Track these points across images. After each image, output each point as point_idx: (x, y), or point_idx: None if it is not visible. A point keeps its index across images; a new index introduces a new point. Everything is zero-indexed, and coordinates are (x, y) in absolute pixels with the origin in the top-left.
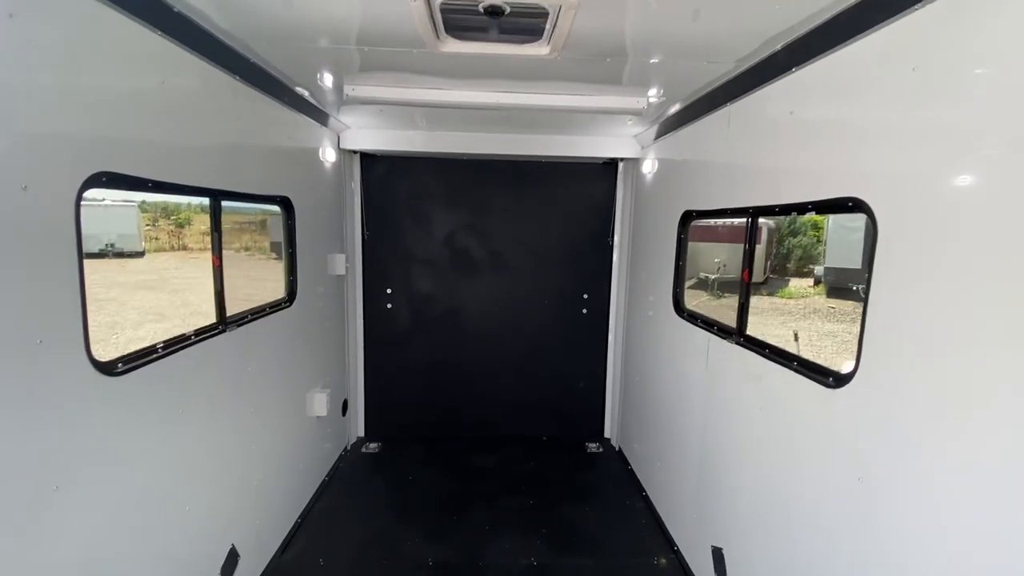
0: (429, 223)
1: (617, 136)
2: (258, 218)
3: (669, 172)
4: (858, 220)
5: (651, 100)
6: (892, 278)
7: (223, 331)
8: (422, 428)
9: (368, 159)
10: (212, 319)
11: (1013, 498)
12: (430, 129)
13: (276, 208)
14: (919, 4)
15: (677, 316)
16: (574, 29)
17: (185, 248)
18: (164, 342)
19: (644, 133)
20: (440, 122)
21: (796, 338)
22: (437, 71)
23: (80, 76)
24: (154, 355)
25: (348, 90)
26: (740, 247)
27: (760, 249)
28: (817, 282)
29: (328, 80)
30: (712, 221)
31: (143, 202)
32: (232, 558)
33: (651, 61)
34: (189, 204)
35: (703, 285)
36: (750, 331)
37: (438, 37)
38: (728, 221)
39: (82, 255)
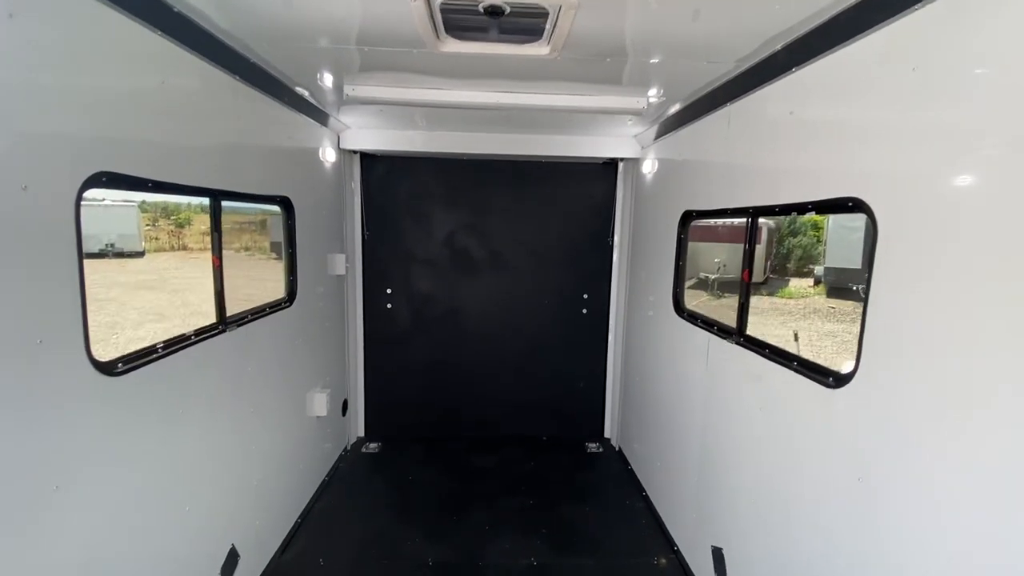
0: (429, 223)
1: (617, 136)
2: (258, 218)
3: (669, 172)
4: (858, 220)
5: (651, 100)
6: (892, 278)
7: (223, 331)
8: (422, 428)
9: (368, 159)
10: (212, 319)
11: (1013, 498)
12: (430, 129)
13: (276, 208)
14: (919, 4)
15: (677, 316)
16: (574, 29)
17: (185, 248)
18: (164, 342)
19: (644, 133)
20: (440, 122)
21: (796, 338)
22: (437, 71)
23: (80, 76)
24: (154, 355)
25: (348, 90)
26: (740, 247)
27: (760, 249)
28: (817, 282)
29: (328, 80)
30: (712, 221)
31: (143, 202)
32: (232, 558)
33: (651, 61)
34: (189, 204)
35: (703, 285)
36: (750, 331)
37: (438, 37)
38: (728, 221)
39: (82, 255)
